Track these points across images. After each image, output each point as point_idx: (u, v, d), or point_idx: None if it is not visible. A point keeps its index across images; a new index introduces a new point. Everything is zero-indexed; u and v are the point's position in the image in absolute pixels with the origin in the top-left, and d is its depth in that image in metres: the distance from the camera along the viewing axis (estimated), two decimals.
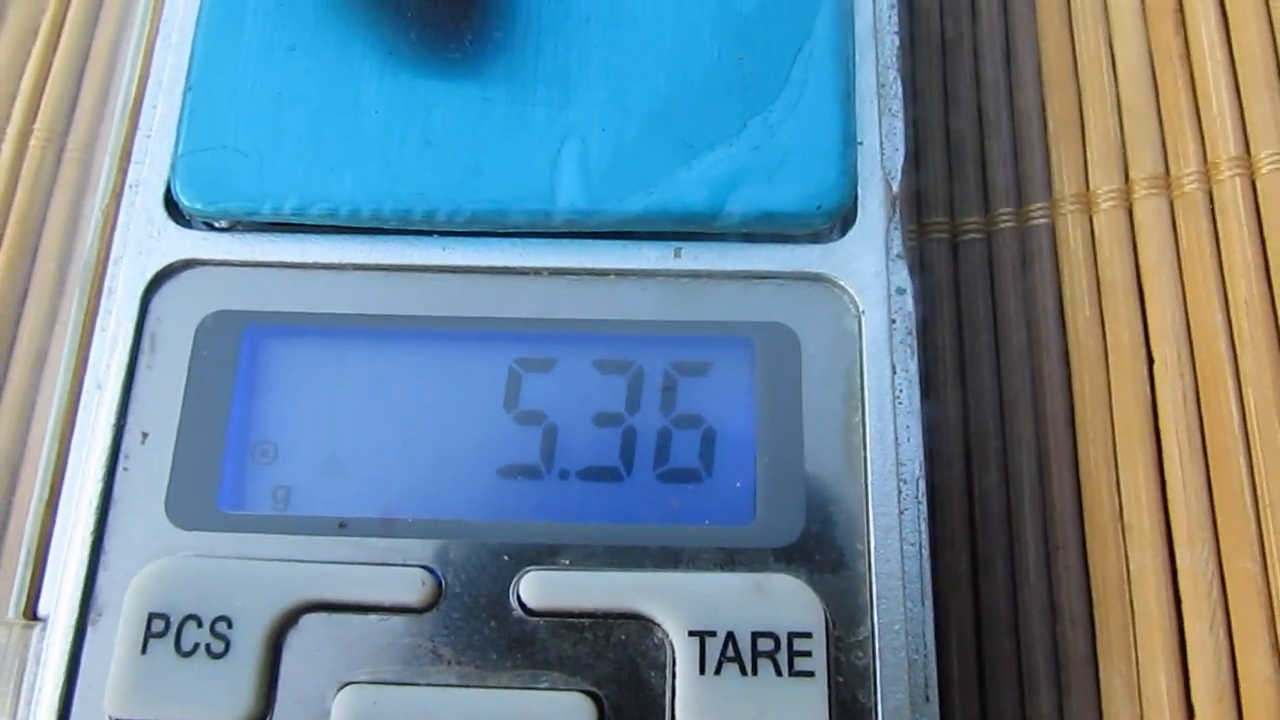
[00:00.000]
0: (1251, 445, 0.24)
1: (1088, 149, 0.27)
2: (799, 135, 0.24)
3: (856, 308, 0.23)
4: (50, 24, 0.29)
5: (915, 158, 0.29)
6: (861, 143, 0.24)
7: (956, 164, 0.28)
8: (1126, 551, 0.24)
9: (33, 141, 0.29)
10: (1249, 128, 0.26)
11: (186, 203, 0.23)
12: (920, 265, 0.27)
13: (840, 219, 0.23)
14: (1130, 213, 0.26)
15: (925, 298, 0.27)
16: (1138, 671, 0.23)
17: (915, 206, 0.28)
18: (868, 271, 0.23)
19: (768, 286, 0.23)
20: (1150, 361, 0.25)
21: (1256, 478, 0.23)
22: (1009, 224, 0.27)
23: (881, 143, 0.24)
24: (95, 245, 0.25)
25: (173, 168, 0.24)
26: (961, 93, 0.29)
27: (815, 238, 0.23)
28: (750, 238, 0.23)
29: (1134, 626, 0.23)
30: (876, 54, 0.25)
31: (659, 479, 0.22)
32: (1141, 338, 0.25)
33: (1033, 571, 0.24)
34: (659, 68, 0.24)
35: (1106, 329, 0.25)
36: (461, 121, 0.24)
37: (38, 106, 0.29)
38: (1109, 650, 0.23)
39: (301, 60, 0.24)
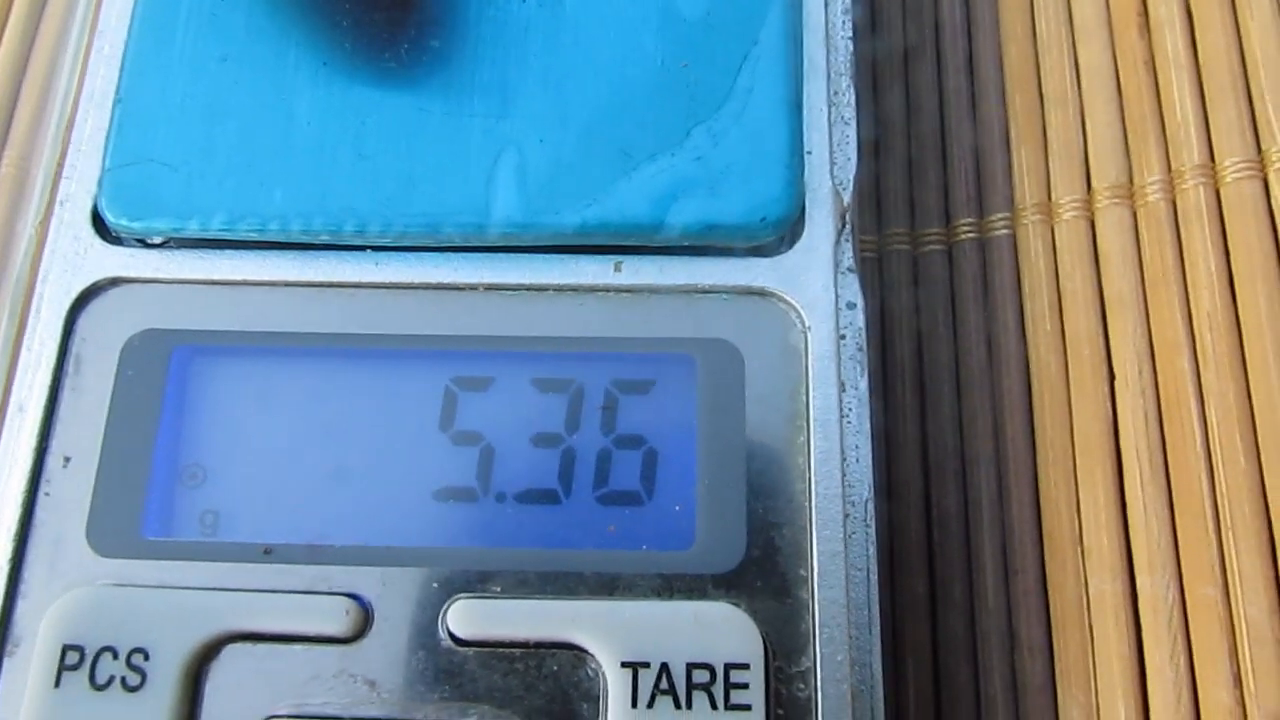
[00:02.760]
0: (1214, 466, 0.22)
1: (1050, 158, 0.26)
2: (744, 145, 0.23)
3: (803, 323, 0.22)
4: None
5: (876, 167, 0.28)
6: (810, 153, 0.23)
7: (918, 173, 0.27)
8: (1086, 576, 0.23)
9: None
10: (1213, 135, 0.25)
11: (112, 219, 0.23)
12: (879, 277, 0.27)
13: (787, 231, 0.23)
14: (1092, 223, 0.25)
15: (884, 312, 0.26)
16: (1096, 701, 0.22)
17: (875, 217, 0.27)
18: (815, 286, 0.22)
19: (711, 301, 0.22)
20: (1112, 378, 0.24)
21: (1219, 500, 0.22)
22: (970, 235, 0.26)
23: (832, 153, 0.23)
24: (27, 263, 0.24)
25: (99, 183, 0.23)
26: (923, 100, 0.28)
27: (761, 251, 0.23)
28: (693, 251, 0.23)
29: (1093, 654, 0.22)
30: (828, 61, 0.24)
31: (597, 502, 0.21)
32: (1103, 353, 0.24)
33: (991, 596, 0.23)
34: (600, 76, 0.23)
35: (1068, 344, 0.24)
36: (395, 133, 0.23)
37: None
38: (1067, 678, 0.22)
39: (233, 71, 0.23)
